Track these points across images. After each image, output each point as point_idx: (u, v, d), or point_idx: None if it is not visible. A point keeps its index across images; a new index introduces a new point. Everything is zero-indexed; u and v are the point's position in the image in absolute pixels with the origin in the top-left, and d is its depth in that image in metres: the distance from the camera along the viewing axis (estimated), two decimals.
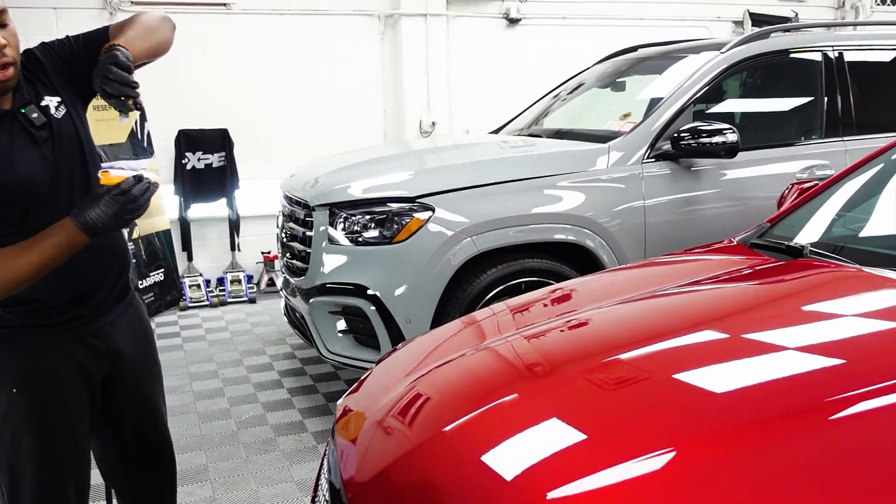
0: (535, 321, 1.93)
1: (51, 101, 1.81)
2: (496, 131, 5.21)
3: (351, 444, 1.58)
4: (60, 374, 1.86)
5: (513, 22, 7.27)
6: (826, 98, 4.17)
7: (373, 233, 3.57)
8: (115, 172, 1.67)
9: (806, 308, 1.78)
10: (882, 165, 2.37)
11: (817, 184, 2.51)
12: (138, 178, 1.68)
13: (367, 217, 3.58)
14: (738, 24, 8.27)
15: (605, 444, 1.22)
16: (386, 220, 3.56)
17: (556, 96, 5.19)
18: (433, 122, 6.96)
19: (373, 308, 3.53)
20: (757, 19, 8.15)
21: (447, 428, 1.40)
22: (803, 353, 1.46)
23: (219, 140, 6.41)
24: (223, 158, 6.42)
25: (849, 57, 4.21)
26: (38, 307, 1.83)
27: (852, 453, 1.11)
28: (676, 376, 1.44)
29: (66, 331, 1.87)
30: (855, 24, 4.97)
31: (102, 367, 1.96)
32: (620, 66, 4.95)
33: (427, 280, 3.49)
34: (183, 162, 6.28)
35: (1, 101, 1.73)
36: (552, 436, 1.27)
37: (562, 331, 1.82)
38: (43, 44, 1.89)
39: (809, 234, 2.23)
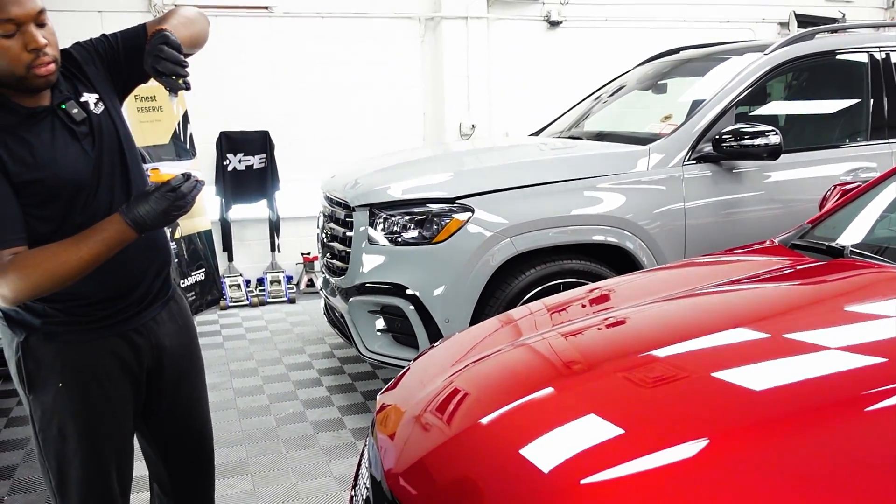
0: (572, 319, 1.94)
1: (90, 98, 1.84)
2: (536, 133, 5.22)
3: (390, 437, 1.60)
4: (105, 368, 1.90)
5: (553, 24, 7.27)
6: (872, 100, 4.10)
7: (412, 233, 3.60)
8: (166, 170, 1.83)
9: (847, 308, 1.77)
10: None
11: (859, 185, 2.48)
12: (187, 176, 1.71)
13: (407, 217, 3.62)
14: (784, 25, 8.16)
15: (638, 435, 1.23)
16: (425, 220, 3.59)
17: (597, 98, 5.18)
18: (473, 125, 6.98)
19: (412, 307, 3.56)
20: (803, 20, 8.04)
21: (484, 420, 1.42)
22: (842, 351, 1.45)
23: (260, 142, 6.51)
24: (264, 160, 6.51)
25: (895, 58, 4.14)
26: (82, 303, 1.85)
27: (884, 448, 1.10)
28: (713, 373, 1.44)
29: (110, 326, 1.90)
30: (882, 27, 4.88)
31: (146, 361, 1.99)
32: (662, 69, 4.93)
33: (466, 280, 3.51)
34: (224, 163, 6.39)
35: (40, 98, 1.75)
36: (587, 428, 1.29)
37: (599, 328, 1.83)
38: (78, 43, 1.92)
39: (851, 234, 2.21)
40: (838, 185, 2.67)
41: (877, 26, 4.67)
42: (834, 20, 7.91)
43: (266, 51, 6.54)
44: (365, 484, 1.66)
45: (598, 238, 3.65)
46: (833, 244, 2.15)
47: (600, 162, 3.82)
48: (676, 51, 5.20)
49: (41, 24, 1.67)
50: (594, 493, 1.11)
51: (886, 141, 4.05)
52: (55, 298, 1.79)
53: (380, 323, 3.72)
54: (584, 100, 5.33)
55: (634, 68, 5.27)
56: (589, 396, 1.44)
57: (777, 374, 1.39)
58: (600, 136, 4.49)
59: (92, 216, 1.75)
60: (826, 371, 1.39)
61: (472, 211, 3.54)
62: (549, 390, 1.48)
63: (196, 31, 1.99)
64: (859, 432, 1.16)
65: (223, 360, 4.91)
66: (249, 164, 6.48)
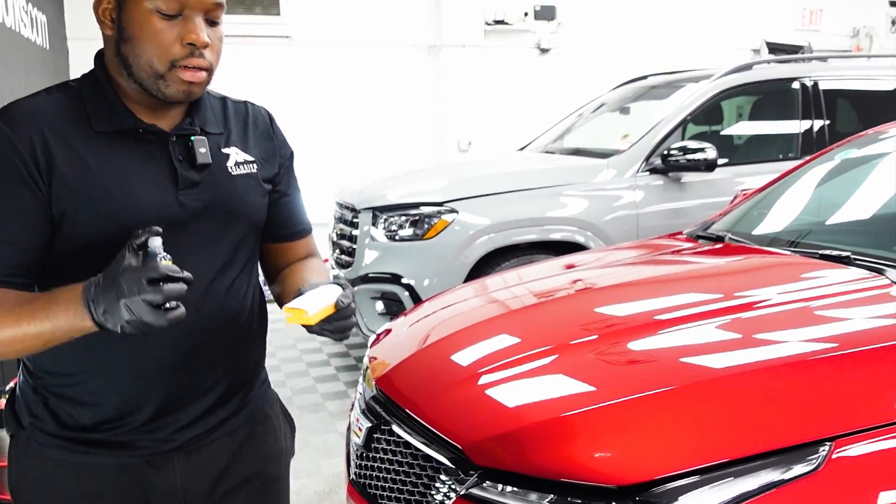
0: (520, 282, 2.65)
1: (235, 154, 1.38)
2: (522, 149, 5.93)
3: (377, 366, 2.30)
4: None
5: (544, 51, 8.00)
6: (802, 121, 4.79)
7: (407, 231, 4.31)
8: (307, 303, 1.21)
9: (704, 268, 2.48)
10: (789, 178, 3.05)
11: (750, 192, 3.19)
12: (345, 304, 1.24)
13: (403, 218, 4.33)
14: (756, 51, 8.87)
15: (522, 347, 1.93)
16: (418, 220, 4.30)
17: (577, 118, 5.90)
18: (469, 142, 7.70)
19: (406, 294, 4.26)
20: (773, 47, 8.74)
21: (436, 339, 2.12)
22: (669, 287, 2.16)
23: None
24: None
25: (823, 86, 4.83)
26: (85, 412, 1.31)
27: (668, 353, 1.81)
28: (596, 308, 2.15)
29: (125, 448, 1.33)
30: (830, 57, 5.58)
31: None
32: (631, 93, 5.64)
33: (451, 270, 4.21)
34: None
35: (163, 117, 1.30)
36: (497, 342, 1.99)
37: (533, 288, 2.54)
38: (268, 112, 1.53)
39: (732, 226, 2.90)
40: (741, 192, 3.36)
41: (808, 59, 5.37)
42: (800, 48, 8.60)
43: (285, 75, 7.29)
44: (361, 398, 2.35)
45: (564, 236, 4.35)
46: (719, 233, 2.85)
47: (568, 173, 4.53)
48: (644, 77, 5.91)
49: (212, 23, 1.26)
50: (486, 379, 1.82)
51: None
52: (57, 391, 1.31)
53: (380, 307, 4.42)
54: (563, 120, 6.04)
55: (608, 92, 5.98)
56: (507, 327, 2.14)
57: (627, 308, 2.10)
58: (574, 152, 5.20)
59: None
60: (661, 305, 2.09)
61: (457, 212, 4.25)
62: (480, 321, 2.18)
63: None
64: (656, 341, 1.87)
65: None
66: None
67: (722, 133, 5.15)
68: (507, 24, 7.78)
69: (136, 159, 1.27)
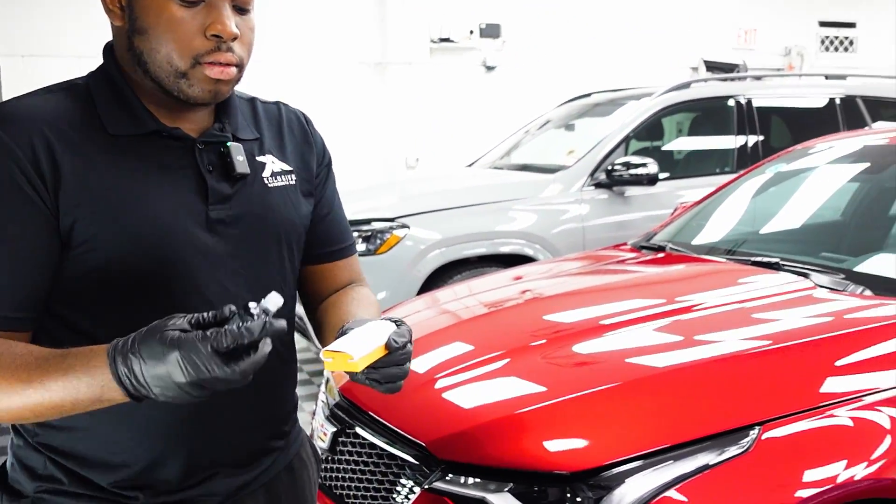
0: (470, 294, 2.77)
1: (272, 163, 1.21)
2: (470, 165, 6.08)
3: (339, 372, 2.39)
4: None
5: (489, 69, 8.20)
6: (737, 137, 5.04)
7: (360, 246, 4.40)
8: (352, 345, 1.00)
9: (644, 275, 2.65)
10: (724, 191, 3.25)
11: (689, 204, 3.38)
12: (400, 344, 1.03)
13: (355, 234, 4.42)
14: (695, 69, 9.22)
15: (476, 353, 2.05)
16: (370, 236, 4.39)
17: (524, 134, 6.07)
18: (417, 159, 7.84)
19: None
20: (710, 65, 9.10)
21: None
22: (613, 293, 2.31)
23: None
24: None
25: (757, 103, 5.09)
26: (100, 472, 1.11)
27: (612, 352, 1.95)
28: (545, 316, 2.28)
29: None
30: (764, 76, 5.87)
31: None
32: (575, 110, 5.85)
33: (404, 284, 4.32)
34: None
35: (184, 119, 1.12)
36: (452, 349, 2.11)
37: (479, 297, 2.66)
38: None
39: (672, 236, 3.08)
40: (681, 204, 3.55)
41: (742, 77, 5.65)
42: (736, 66, 8.98)
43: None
44: (325, 406, 2.44)
45: (514, 249, 4.49)
46: (660, 244, 3.02)
47: (516, 188, 4.69)
48: (588, 95, 6.13)
49: (241, 10, 1.09)
50: (444, 382, 1.93)
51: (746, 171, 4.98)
52: (63, 448, 1.11)
53: None
54: (510, 136, 6.22)
55: (554, 109, 6.18)
56: (461, 335, 2.26)
57: (574, 314, 2.24)
58: (522, 167, 5.36)
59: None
60: (606, 310, 2.24)
61: (409, 228, 4.36)
62: (437, 329, 2.30)
63: None
64: (601, 343, 2.01)
65: None
66: None
67: (663, 148, 5.38)
68: (452, 41, 7.96)
69: (159, 168, 1.08)
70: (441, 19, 7.93)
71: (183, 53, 1.04)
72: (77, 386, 0.91)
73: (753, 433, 1.55)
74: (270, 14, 7.32)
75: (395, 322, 1.07)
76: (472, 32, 8.05)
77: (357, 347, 0.99)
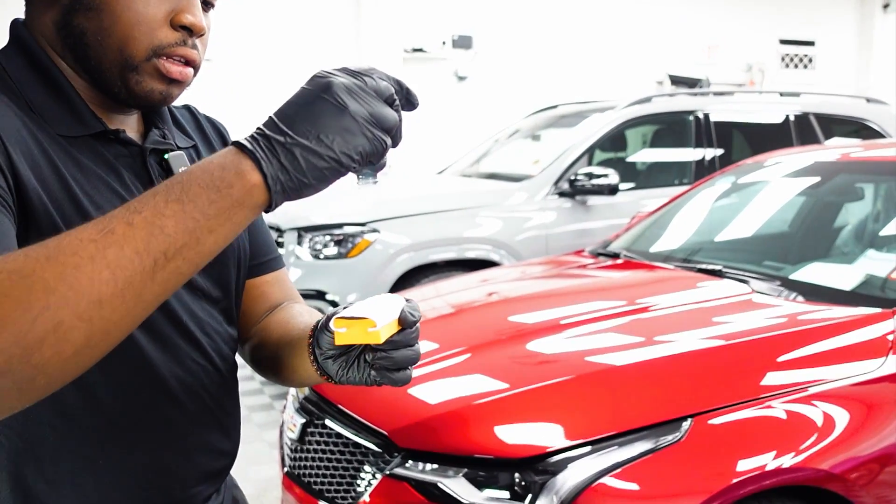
0: (436, 295, 2.91)
1: None
2: (440, 172, 6.23)
3: None
4: None
5: (461, 79, 8.36)
6: (695, 150, 5.25)
7: (331, 250, 4.53)
8: (372, 312, 0.83)
9: (597, 279, 2.81)
10: (677, 202, 3.44)
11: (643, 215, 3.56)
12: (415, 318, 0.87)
13: (327, 237, 4.55)
14: (660, 83, 9.47)
15: (438, 349, 2.19)
16: (342, 240, 4.52)
17: (493, 143, 6.24)
18: (389, 165, 7.95)
19: (332, 309, 4.45)
20: (674, 80, 9.35)
21: None
22: (570, 296, 2.47)
23: None
24: None
25: (714, 118, 5.30)
26: None
27: (572, 350, 2.10)
28: (509, 316, 2.43)
29: None
30: (723, 93, 6.10)
31: None
32: (542, 121, 6.03)
33: (374, 287, 4.44)
34: None
35: (128, 123, 0.97)
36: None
37: (441, 303, 2.81)
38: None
39: (627, 244, 3.25)
40: (637, 214, 3.73)
41: (701, 94, 5.86)
42: (699, 81, 9.24)
43: (205, 97, 7.40)
44: (295, 399, 2.56)
45: (480, 254, 4.64)
46: (616, 251, 3.18)
47: (482, 196, 4.84)
48: (555, 106, 6.31)
49: (208, 4, 0.95)
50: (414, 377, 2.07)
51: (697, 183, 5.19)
52: None
53: None
54: (480, 144, 6.38)
55: (522, 119, 6.35)
56: (424, 333, 2.40)
57: (532, 315, 2.39)
58: (490, 175, 5.52)
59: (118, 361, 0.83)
60: (561, 311, 2.39)
61: (379, 232, 4.49)
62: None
63: None
64: (555, 341, 2.16)
65: None
66: None
67: (626, 160, 5.57)
68: (425, 52, 8.11)
69: (109, 176, 0.89)
70: (414, 30, 8.08)
71: (142, 42, 0.86)
72: (186, 183, 0.68)
73: (686, 424, 1.70)
74: (244, 18, 7.43)
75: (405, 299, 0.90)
76: (444, 43, 8.21)
77: (371, 311, 0.82)
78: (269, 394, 4.98)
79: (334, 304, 4.43)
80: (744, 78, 9.99)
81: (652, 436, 1.69)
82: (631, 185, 5.26)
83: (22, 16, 0.92)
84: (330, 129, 0.72)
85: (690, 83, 9.08)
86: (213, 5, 0.95)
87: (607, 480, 1.64)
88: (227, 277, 1.02)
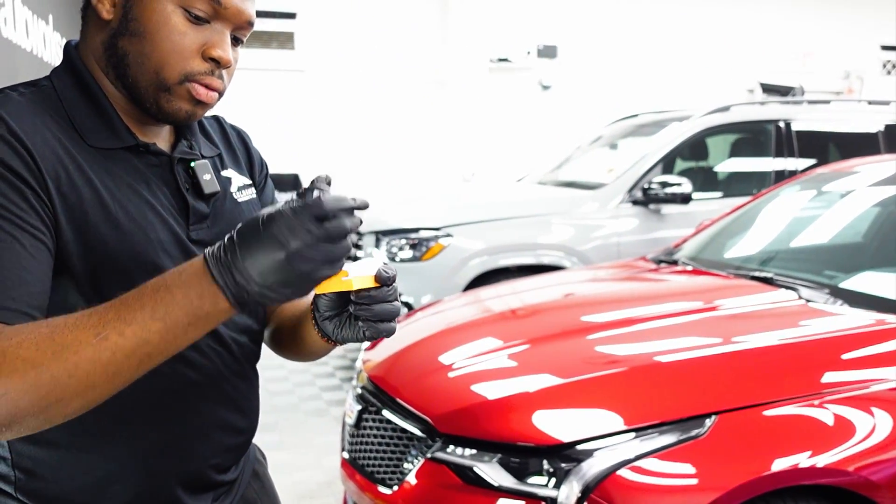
0: (501, 296, 3.05)
1: (235, 177, 1.19)
2: (519, 180, 6.35)
3: (369, 361, 2.69)
4: None
5: (545, 88, 8.46)
6: (775, 158, 5.19)
7: (407, 253, 4.72)
8: (347, 267, 0.93)
9: (657, 287, 2.89)
10: (740, 212, 3.46)
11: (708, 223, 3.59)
12: (389, 275, 0.98)
13: (403, 241, 4.74)
14: (751, 91, 9.29)
15: (485, 345, 2.33)
16: (417, 243, 4.71)
17: (572, 151, 6.32)
18: (473, 173, 8.14)
19: (406, 310, 4.65)
20: (766, 88, 9.15)
21: (418, 339, 2.52)
22: (622, 299, 2.56)
23: (290, 183, 7.72)
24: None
25: (795, 126, 5.24)
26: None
27: (605, 353, 2.21)
28: (568, 312, 2.56)
29: None
30: (804, 101, 5.98)
31: None
32: (621, 130, 6.07)
33: (446, 290, 4.60)
34: None
35: (150, 133, 1.08)
36: (474, 345, 2.39)
37: (507, 298, 2.94)
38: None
39: (687, 252, 3.30)
40: (702, 223, 3.76)
41: (783, 102, 5.78)
42: (792, 89, 9.01)
43: (299, 107, 7.78)
44: (354, 389, 2.74)
45: (552, 260, 4.74)
46: (675, 258, 3.24)
47: (555, 203, 4.95)
48: (635, 115, 6.34)
49: (237, 41, 1.07)
50: (454, 375, 2.21)
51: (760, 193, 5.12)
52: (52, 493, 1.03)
53: None
54: (559, 153, 6.47)
55: (602, 129, 6.41)
56: (484, 330, 2.54)
57: (591, 314, 2.49)
58: (566, 184, 5.61)
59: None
60: (619, 314, 2.49)
61: (453, 236, 4.66)
62: (461, 323, 2.59)
63: None
64: (608, 338, 2.26)
65: None
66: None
67: (704, 168, 5.56)
68: (510, 61, 8.25)
69: (141, 185, 1.02)
70: (499, 40, 8.23)
71: (175, 68, 1.00)
72: (168, 305, 0.81)
73: (709, 421, 1.78)
74: (334, 31, 7.75)
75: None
76: (529, 53, 8.33)
77: (351, 269, 0.95)
78: (346, 390, 5.21)
79: (409, 306, 4.62)
80: (841, 86, 9.69)
81: (676, 430, 1.78)
82: (708, 194, 5.25)
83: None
84: (280, 283, 0.83)
85: (782, 91, 8.87)
86: (242, 41, 1.07)
87: (630, 470, 1.73)
88: None
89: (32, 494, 1.02)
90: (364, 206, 0.89)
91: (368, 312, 0.99)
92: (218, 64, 1.02)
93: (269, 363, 5.82)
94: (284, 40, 7.80)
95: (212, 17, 1.01)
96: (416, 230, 4.76)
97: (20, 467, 1.01)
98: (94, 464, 1.02)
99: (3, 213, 0.88)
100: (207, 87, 1.02)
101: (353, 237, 0.87)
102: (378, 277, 0.97)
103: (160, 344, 0.82)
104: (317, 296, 1.04)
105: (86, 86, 1.02)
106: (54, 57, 4.47)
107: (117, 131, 1.03)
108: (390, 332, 1.03)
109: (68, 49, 1.06)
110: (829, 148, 5.43)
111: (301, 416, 4.70)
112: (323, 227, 0.82)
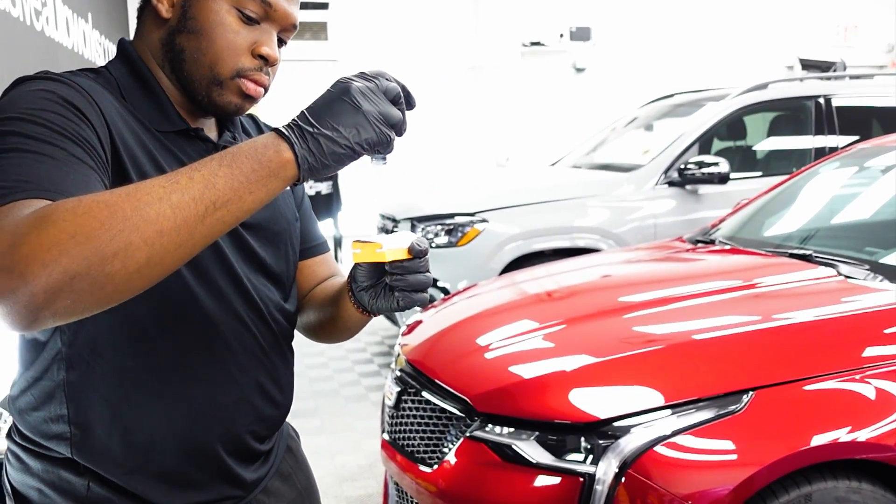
0: (537, 278, 3.06)
1: None
2: (554, 164, 6.33)
3: (407, 345, 2.73)
4: None
5: (579, 70, 8.40)
6: (815, 135, 5.11)
7: (442, 239, 4.74)
8: (381, 239, 1.05)
9: (693, 266, 2.88)
10: (777, 191, 3.41)
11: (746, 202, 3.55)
12: (421, 248, 1.06)
13: (439, 227, 4.77)
14: (790, 68, 9.12)
15: (518, 328, 2.34)
16: (452, 229, 4.73)
17: (607, 133, 6.28)
18: (507, 157, 8.13)
19: (442, 295, 4.68)
20: (805, 64, 8.98)
21: (455, 322, 2.55)
22: (660, 279, 2.55)
23: None
24: (330, 187, 7.77)
25: (836, 102, 5.14)
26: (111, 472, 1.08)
27: (642, 331, 2.21)
28: (591, 294, 2.55)
29: None
30: (846, 76, 5.86)
31: None
32: (656, 110, 6.01)
33: (482, 275, 4.62)
34: None
35: (199, 124, 1.16)
36: (510, 327, 2.40)
37: (542, 282, 2.95)
38: None
39: (724, 232, 3.27)
40: (739, 202, 3.72)
41: (824, 78, 5.67)
42: (832, 64, 8.83)
43: None
44: (393, 372, 2.78)
45: (588, 243, 4.73)
46: (712, 238, 3.22)
47: (591, 186, 4.93)
48: (671, 95, 6.27)
49: (282, 42, 1.15)
50: (491, 356, 2.23)
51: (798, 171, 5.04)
52: (108, 463, 1.07)
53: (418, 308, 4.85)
54: (593, 136, 6.43)
55: (636, 110, 6.35)
56: (516, 312, 2.55)
57: (627, 294, 2.50)
58: (601, 166, 5.58)
59: (192, 346, 1.08)
60: (656, 293, 2.48)
61: (488, 222, 4.67)
62: (496, 306, 2.60)
63: None
64: (645, 317, 2.26)
65: (296, 346, 6.10)
66: (318, 190, 7.75)
67: (742, 148, 5.48)
68: (543, 45, 8.21)
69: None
70: (532, 24, 8.19)
71: (227, 64, 1.08)
72: (236, 155, 0.86)
73: (747, 397, 1.78)
74: (367, 18, 7.78)
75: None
76: (562, 36, 8.28)
77: (385, 241, 1.04)
78: (384, 375, 5.26)
79: (445, 291, 4.65)
80: (885, 60, 9.47)
81: (713, 406, 1.78)
82: (746, 173, 5.19)
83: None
84: (347, 124, 0.91)
85: (823, 67, 8.69)
86: (285, 43, 1.16)
87: (667, 446, 1.74)
88: (281, 254, 1.23)
89: (87, 452, 1.06)
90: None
91: (403, 283, 1.06)
92: (266, 61, 1.10)
93: (309, 350, 5.91)
94: (318, 30, 7.85)
95: (262, 18, 1.09)
96: (452, 216, 4.78)
97: (76, 423, 1.05)
98: (144, 421, 1.07)
99: (77, 139, 0.91)
100: (256, 82, 1.10)
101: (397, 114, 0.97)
102: (411, 249, 1.05)
103: (225, 192, 0.83)
104: (354, 266, 1.11)
105: (142, 76, 1.10)
106: (94, 54, 4.56)
107: (170, 116, 1.10)
108: (423, 302, 1.10)
109: (124, 44, 1.14)
110: (871, 124, 5.33)
111: (341, 401, 4.76)
112: (374, 79, 0.96)
